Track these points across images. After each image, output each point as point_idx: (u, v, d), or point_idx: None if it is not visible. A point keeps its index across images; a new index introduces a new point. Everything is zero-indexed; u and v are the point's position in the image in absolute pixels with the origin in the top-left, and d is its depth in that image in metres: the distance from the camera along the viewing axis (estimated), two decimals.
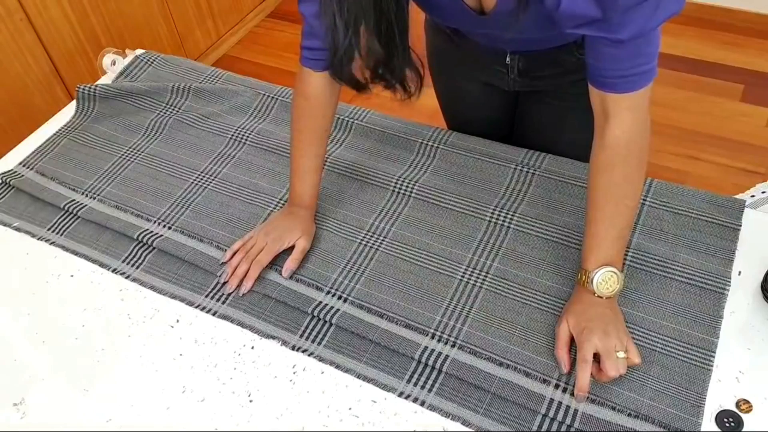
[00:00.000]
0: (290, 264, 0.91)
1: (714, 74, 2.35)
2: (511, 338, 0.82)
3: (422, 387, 0.79)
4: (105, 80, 1.29)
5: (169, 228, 0.99)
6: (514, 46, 0.94)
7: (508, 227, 0.95)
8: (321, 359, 0.82)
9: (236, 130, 1.15)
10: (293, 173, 0.96)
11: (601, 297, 0.79)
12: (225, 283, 0.91)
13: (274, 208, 1.01)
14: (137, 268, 0.95)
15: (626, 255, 0.89)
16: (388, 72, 0.77)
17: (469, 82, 1.09)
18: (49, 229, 1.02)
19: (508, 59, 0.97)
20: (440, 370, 0.80)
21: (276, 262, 0.93)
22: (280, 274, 0.91)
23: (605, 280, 0.79)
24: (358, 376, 0.81)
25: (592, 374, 0.76)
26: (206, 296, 0.91)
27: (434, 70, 1.14)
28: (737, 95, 2.26)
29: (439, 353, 0.81)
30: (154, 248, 0.97)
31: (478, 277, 0.89)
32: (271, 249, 0.91)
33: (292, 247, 0.93)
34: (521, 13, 0.68)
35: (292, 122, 0.95)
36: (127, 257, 0.97)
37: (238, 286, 0.90)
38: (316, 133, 0.94)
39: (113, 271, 0.95)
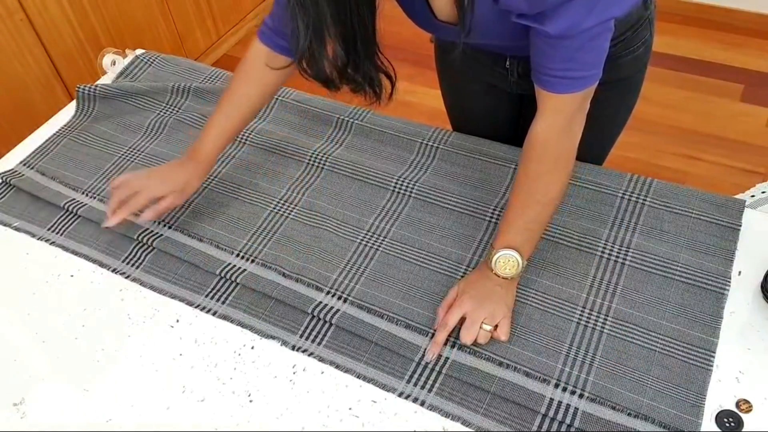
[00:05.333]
0: (147, 214, 0.90)
1: (714, 74, 2.35)
2: (510, 338, 0.82)
3: (422, 387, 0.79)
4: (105, 80, 1.29)
5: (169, 228, 0.99)
6: (510, 50, 0.95)
7: None
8: (321, 359, 0.82)
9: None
10: (204, 127, 0.96)
11: (498, 276, 0.82)
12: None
13: (274, 208, 1.01)
14: (137, 268, 0.95)
15: (626, 255, 0.89)
16: (356, 74, 0.78)
17: (473, 83, 1.09)
18: (49, 229, 1.02)
19: (507, 63, 0.97)
20: (440, 371, 0.80)
21: (275, 261, 0.93)
22: (281, 274, 0.91)
23: (505, 261, 0.82)
24: (358, 376, 0.81)
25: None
26: (206, 296, 0.91)
27: (440, 70, 1.15)
28: (737, 95, 2.26)
29: (440, 354, 0.81)
30: (154, 248, 0.97)
31: None
32: (147, 195, 0.91)
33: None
34: (466, 21, 0.70)
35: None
36: (127, 257, 0.96)
37: (108, 220, 0.91)
38: (237, 96, 0.94)
39: (113, 271, 0.95)
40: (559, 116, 0.77)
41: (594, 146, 1.04)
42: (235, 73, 0.95)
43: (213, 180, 1.07)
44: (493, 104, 1.12)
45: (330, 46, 0.72)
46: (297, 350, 0.84)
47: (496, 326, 0.81)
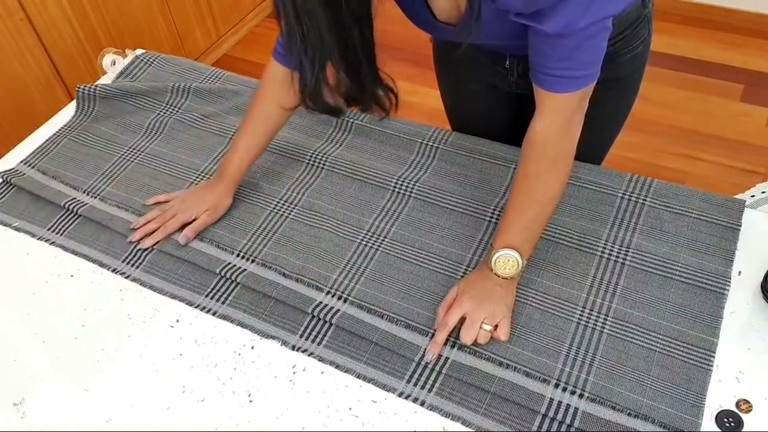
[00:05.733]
0: (187, 232, 0.96)
1: (714, 74, 2.35)
2: (510, 338, 0.82)
3: (422, 387, 0.79)
4: (105, 80, 1.29)
5: None
6: (509, 50, 0.95)
7: None
8: (321, 359, 0.82)
9: (236, 130, 1.15)
10: (230, 146, 1.00)
11: (498, 276, 0.82)
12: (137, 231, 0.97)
13: (274, 208, 1.01)
14: (137, 268, 0.95)
15: (626, 255, 0.89)
16: (361, 95, 0.78)
17: (473, 83, 1.09)
18: (49, 229, 1.02)
19: (507, 62, 0.97)
20: (440, 371, 0.80)
21: (275, 261, 0.93)
22: (281, 274, 0.91)
23: (504, 261, 0.82)
24: (358, 376, 0.81)
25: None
26: (206, 296, 0.91)
27: (439, 71, 1.14)
28: (737, 95, 2.26)
29: (440, 354, 0.81)
30: (153, 248, 0.97)
31: None
32: (179, 219, 0.97)
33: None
34: (474, 22, 0.70)
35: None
36: (127, 257, 0.96)
37: (144, 241, 0.96)
38: (260, 115, 0.98)
39: (113, 271, 0.95)
40: (558, 115, 0.77)
41: (593, 146, 1.04)
42: (255, 92, 0.98)
43: None
44: (492, 104, 1.12)
45: (332, 75, 0.73)
46: (297, 350, 0.84)
47: (496, 326, 0.81)
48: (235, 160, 0.99)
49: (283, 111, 0.97)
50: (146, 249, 0.97)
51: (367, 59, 0.74)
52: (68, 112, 1.23)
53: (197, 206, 0.98)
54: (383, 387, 0.79)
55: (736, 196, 0.96)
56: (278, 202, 1.02)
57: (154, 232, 0.97)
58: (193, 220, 0.97)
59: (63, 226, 1.02)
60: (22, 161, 1.13)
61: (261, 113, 0.97)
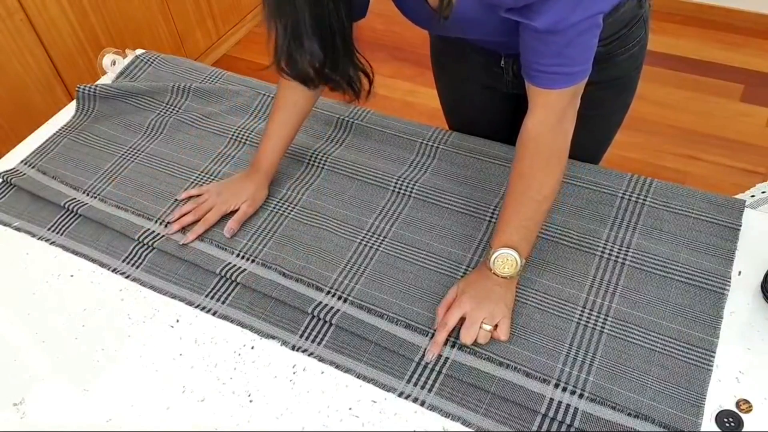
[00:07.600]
0: (231, 224, 0.96)
1: (714, 74, 2.35)
2: (510, 338, 0.82)
3: (422, 387, 0.79)
4: (105, 80, 1.29)
5: None
6: (504, 47, 0.95)
7: None
8: (321, 359, 0.83)
9: (236, 130, 1.15)
10: (262, 138, 1.00)
11: (497, 275, 0.82)
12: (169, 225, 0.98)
13: (274, 208, 1.01)
14: (137, 268, 0.95)
15: (626, 255, 0.89)
16: (334, 72, 0.78)
17: (469, 84, 1.09)
18: (49, 229, 1.02)
19: (502, 62, 0.98)
20: (440, 371, 0.80)
21: (275, 261, 0.93)
22: (281, 274, 0.91)
23: (503, 261, 0.82)
24: (358, 376, 0.81)
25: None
26: (206, 296, 0.91)
27: (436, 71, 1.15)
28: (737, 95, 2.26)
29: (440, 354, 0.81)
30: (154, 248, 0.97)
31: None
32: (219, 210, 0.97)
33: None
34: (444, 12, 0.70)
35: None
36: (127, 257, 0.97)
37: (186, 236, 0.96)
38: (284, 104, 0.97)
39: (113, 271, 0.95)
40: (550, 112, 0.77)
41: (590, 146, 1.04)
42: (279, 83, 0.97)
43: (213, 180, 1.07)
44: (488, 105, 1.12)
45: (307, 46, 0.72)
46: (297, 350, 0.84)
47: (496, 326, 0.81)
48: (267, 152, 0.99)
49: (307, 94, 0.96)
50: (147, 249, 0.97)
51: (341, 35, 0.73)
52: (68, 112, 1.23)
53: (236, 198, 0.98)
54: (383, 387, 0.79)
55: (736, 196, 0.96)
56: (278, 202, 1.02)
57: (188, 224, 0.97)
58: (232, 212, 0.97)
59: (63, 226, 1.02)
60: (22, 161, 1.13)
61: (287, 103, 0.97)
